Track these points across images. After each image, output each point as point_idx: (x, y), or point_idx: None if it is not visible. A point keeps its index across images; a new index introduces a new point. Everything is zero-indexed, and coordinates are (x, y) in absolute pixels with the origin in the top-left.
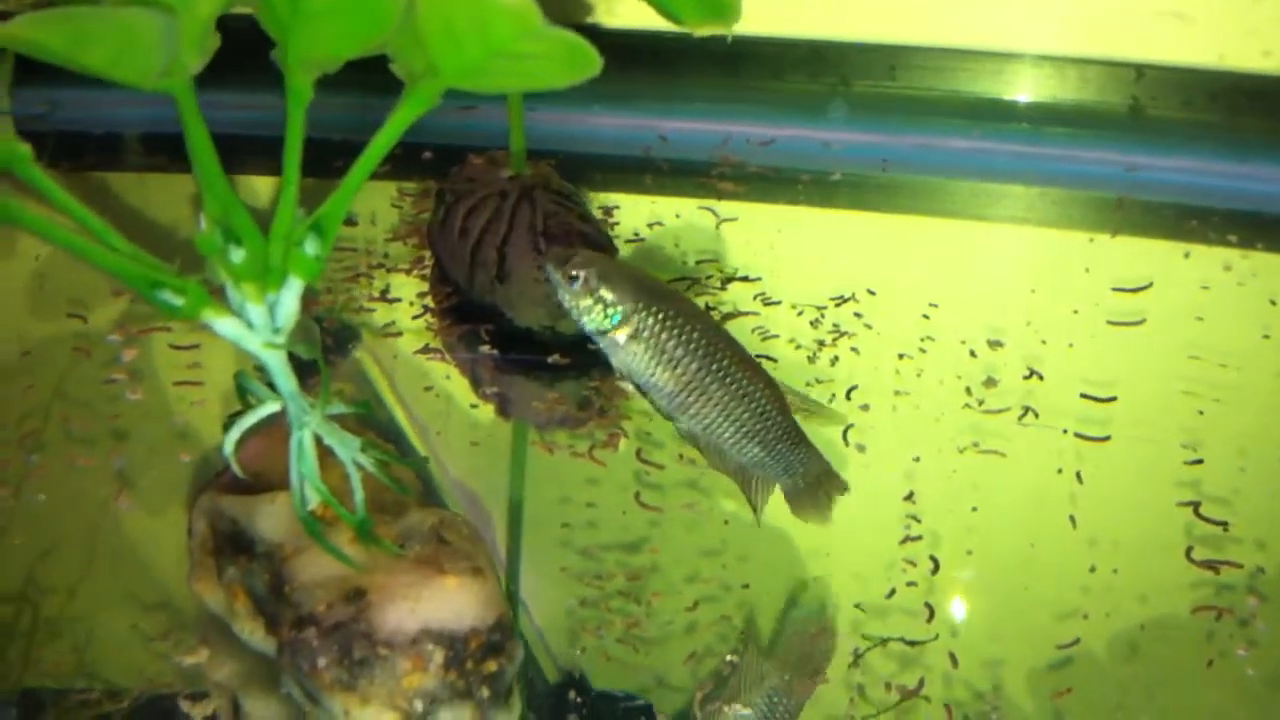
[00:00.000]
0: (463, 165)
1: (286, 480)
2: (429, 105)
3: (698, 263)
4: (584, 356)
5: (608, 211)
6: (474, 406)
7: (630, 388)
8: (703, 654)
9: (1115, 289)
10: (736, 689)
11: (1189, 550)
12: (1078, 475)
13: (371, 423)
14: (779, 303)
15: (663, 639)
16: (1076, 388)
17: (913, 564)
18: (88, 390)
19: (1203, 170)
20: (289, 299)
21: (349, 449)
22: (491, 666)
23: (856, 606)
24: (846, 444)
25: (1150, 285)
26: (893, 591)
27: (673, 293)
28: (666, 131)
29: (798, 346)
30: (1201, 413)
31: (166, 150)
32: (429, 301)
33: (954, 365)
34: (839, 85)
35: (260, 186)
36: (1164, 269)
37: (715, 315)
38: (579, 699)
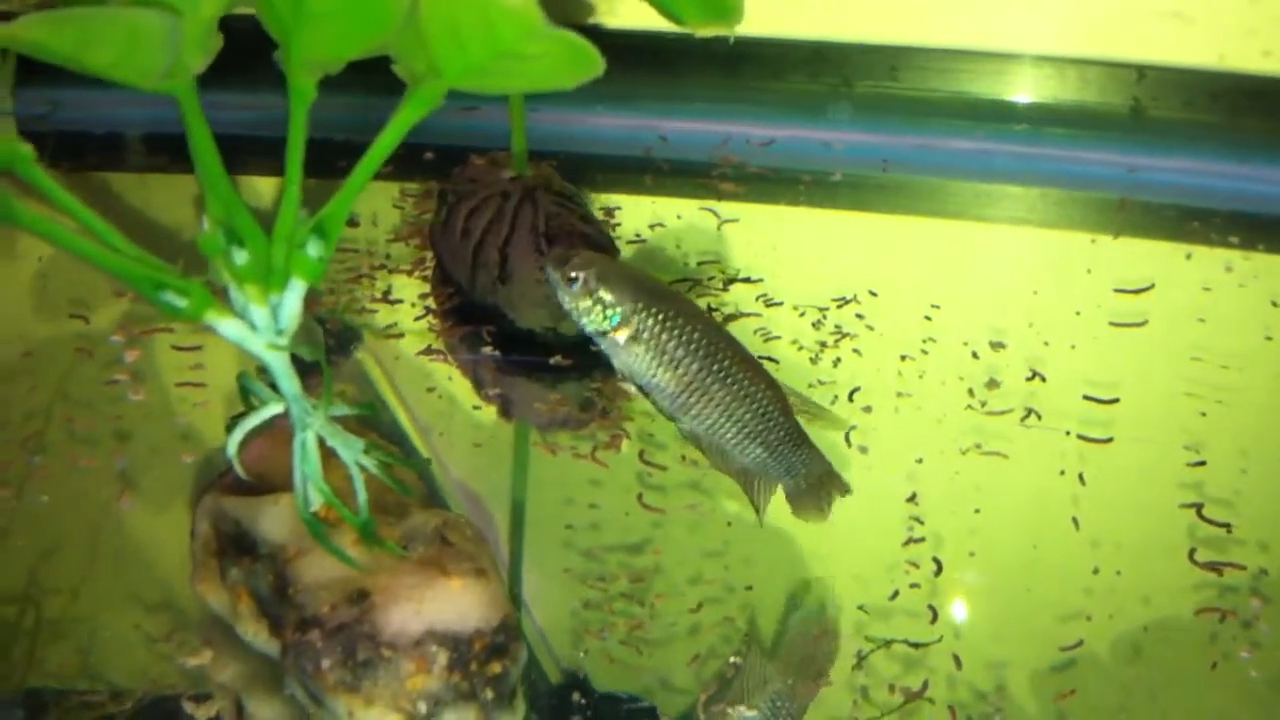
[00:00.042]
0: (464, 166)
1: (289, 482)
2: (432, 106)
3: (699, 264)
4: (586, 358)
5: (609, 212)
6: (476, 408)
7: (632, 389)
8: (706, 656)
9: (1117, 290)
10: (740, 691)
11: (1192, 552)
12: (1080, 477)
13: (374, 424)
14: (781, 304)
15: (666, 641)
16: (1079, 389)
17: (916, 566)
18: (90, 391)
19: (1204, 171)
20: (292, 300)
21: (352, 450)
22: (495, 668)
23: (860, 608)
24: (849, 445)
25: (1152, 286)
26: (896, 593)
27: (673, 293)
28: (667, 132)
29: (800, 348)
30: (1204, 414)
31: (168, 151)
32: (431, 303)
33: (956, 366)
34: (840, 86)
35: (262, 187)
36: (1166, 270)
37: (717, 317)
38: (582, 700)
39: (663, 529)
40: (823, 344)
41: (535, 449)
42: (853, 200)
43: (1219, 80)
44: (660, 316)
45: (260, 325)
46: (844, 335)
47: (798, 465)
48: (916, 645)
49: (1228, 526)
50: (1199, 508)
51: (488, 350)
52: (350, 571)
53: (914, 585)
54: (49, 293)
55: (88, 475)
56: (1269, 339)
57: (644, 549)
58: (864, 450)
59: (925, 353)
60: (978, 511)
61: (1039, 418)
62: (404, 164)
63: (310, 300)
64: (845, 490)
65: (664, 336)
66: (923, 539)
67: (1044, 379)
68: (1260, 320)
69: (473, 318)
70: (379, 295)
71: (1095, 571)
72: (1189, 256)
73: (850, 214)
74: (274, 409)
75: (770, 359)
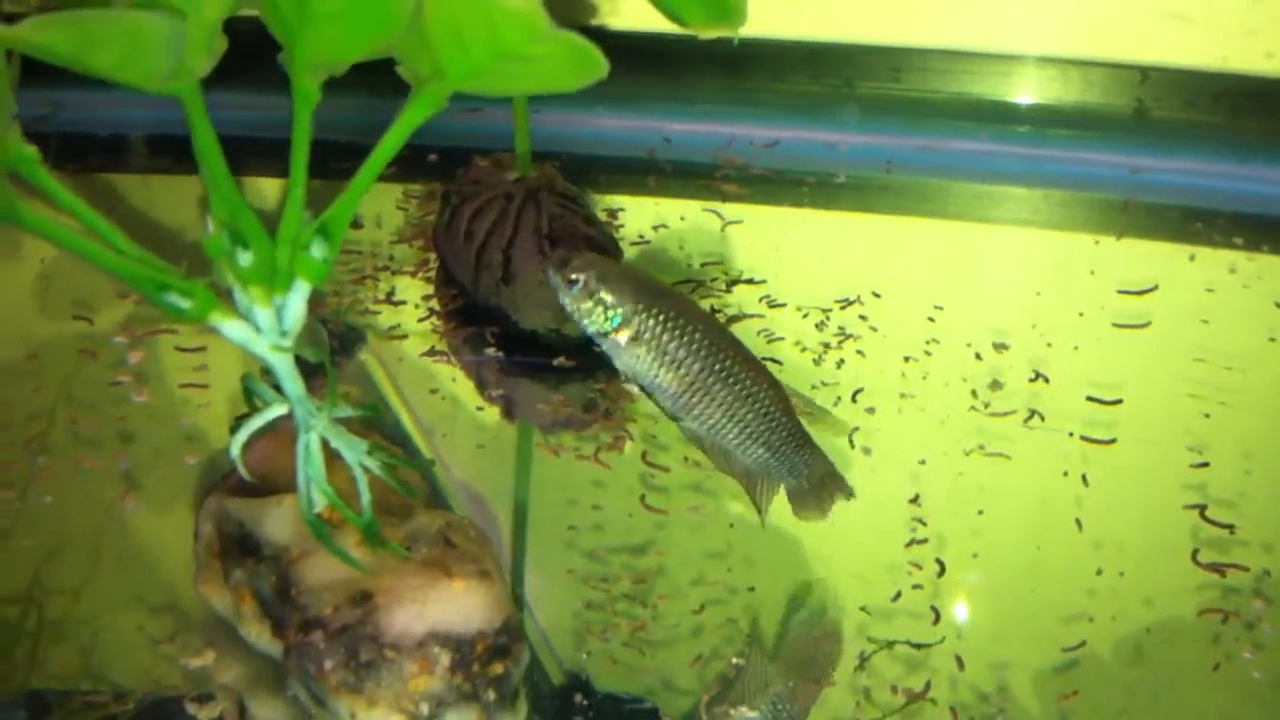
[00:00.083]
0: (468, 167)
1: (293, 483)
2: (436, 108)
3: (702, 265)
4: (589, 359)
5: (612, 214)
6: (480, 409)
7: (635, 390)
8: (709, 657)
9: (1120, 291)
10: (742, 692)
11: (1195, 553)
12: (1083, 478)
13: (378, 425)
14: (784, 305)
15: (668, 642)
16: (1082, 390)
17: (918, 567)
18: (93, 392)
19: (1207, 172)
20: (296, 302)
21: (356, 452)
22: (498, 669)
23: (862, 609)
24: (852, 447)
25: (1155, 288)
26: (898, 594)
27: (674, 294)
28: (670, 133)
29: (803, 349)
30: (1207, 415)
31: (171, 152)
32: (434, 304)
33: (959, 368)
34: (843, 87)
35: (267, 189)
36: (1169, 271)
37: (720, 318)
38: (584, 702)
39: (665, 530)
40: (826, 345)
41: (538, 450)
42: (856, 202)
43: (1222, 81)
44: (661, 317)
45: (264, 327)
46: (847, 336)
47: (800, 466)
48: (919, 646)
49: (1231, 528)
50: (1202, 509)
51: (491, 351)
52: (353, 573)
53: (916, 586)
54: (52, 294)
55: (91, 476)
56: (1273, 340)
57: (647, 550)
58: (867, 451)
59: (928, 354)
60: (981, 512)
61: (1042, 419)
62: (408, 165)
63: (314, 302)
64: (847, 492)
65: (665, 337)
66: (925, 540)
67: (1047, 380)
68: (1264, 321)
69: (476, 319)
70: (383, 297)
71: (1098, 572)
72: (1192, 258)
73: (853, 215)
74: (278, 410)
75: (774, 360)
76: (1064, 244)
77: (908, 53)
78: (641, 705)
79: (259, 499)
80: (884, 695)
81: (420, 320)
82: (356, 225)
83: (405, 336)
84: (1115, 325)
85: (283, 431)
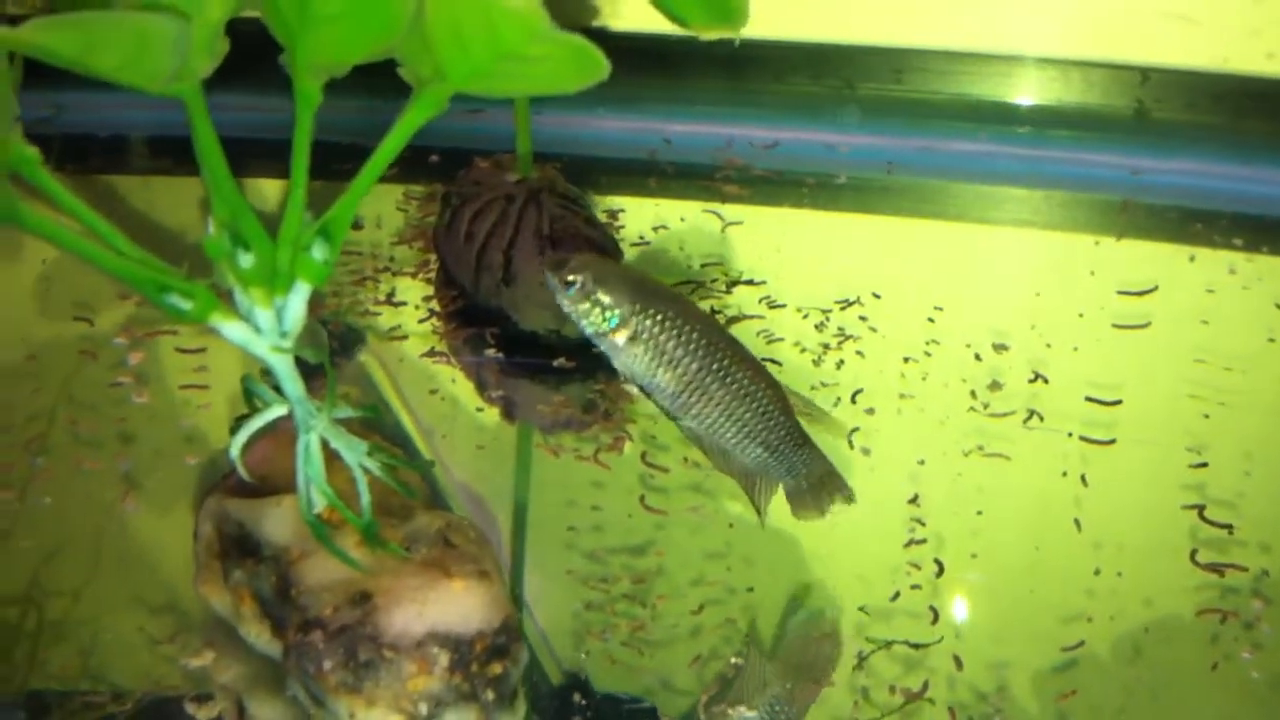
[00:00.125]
0: (469, 168)
1: (293, 483)
2: (437, 109)
3: (703, 266)
4: (589, 360)
5: (613, 215)
6: (479, 410)
7: (635, 390)
8: (707, 657)
9: (1120, 292)
10: (741, 692)
11: (1194, 553)
12: (1083, 478)
13: (377, 426)
14: (784, 306)
15: (667, 642)
16: (1081, 391)
17: (917, 567)
18: (94, 393)
19: (1208, 173)
20: (296, 303)
21: (355, 452)
22: (497, 669)
23: (861, 609)
24: (851, 447)
25: (1155, 289)
26: (897, 594)
27: (671, 293)
28: (671, 134)
29: (803, 350)
30: (1206, 416)
31: (172, 153)
32: (434, 305)
33: (959, 368)
34: (843, 88)
35: (268, 190)
36: (1169, 272)
37: (721, 319)
38: (583, 702)
39: (665, 531)
40: (826, 346)
41: (538, 451)
42: (856, 202)
43: (1223, 82)
44: (658, 317)
45: (265, 328)
46: (847, 337)
47: (799, 465)
48: (917, 646)
49: (1229, 528)
50: (1201, 509)
51: (491, 352)
52: (353, 573)
53: (915, 586)
54: (53, 295)
55: (91, 477)
56: (1272, 341)
57: (646, 551)
58: (866, 452)
59: (928, 354)
60: (980, 513)
61: (1041, 419)
62: (408, 166)
63: (313, 302)
64: (847, 492)
65: (662, 337)
66: (924, 540)
67: (1046, 381)
68: (1264, 322)
69: (476, 320)
70: (383, 298)
71: (1097, 573)
72: (1192, 258)
73: (854, 216)
74: (278, 411)
75: (773, 361)
76: (1064, 245)
77: (908, 54)
78: (640, 705)
79: (259, 500)
80: (882, 695)
81: (420, 321)
82: (357, 226)
83: (405, 337)
84: (1115, 326)
85: (282, 432)
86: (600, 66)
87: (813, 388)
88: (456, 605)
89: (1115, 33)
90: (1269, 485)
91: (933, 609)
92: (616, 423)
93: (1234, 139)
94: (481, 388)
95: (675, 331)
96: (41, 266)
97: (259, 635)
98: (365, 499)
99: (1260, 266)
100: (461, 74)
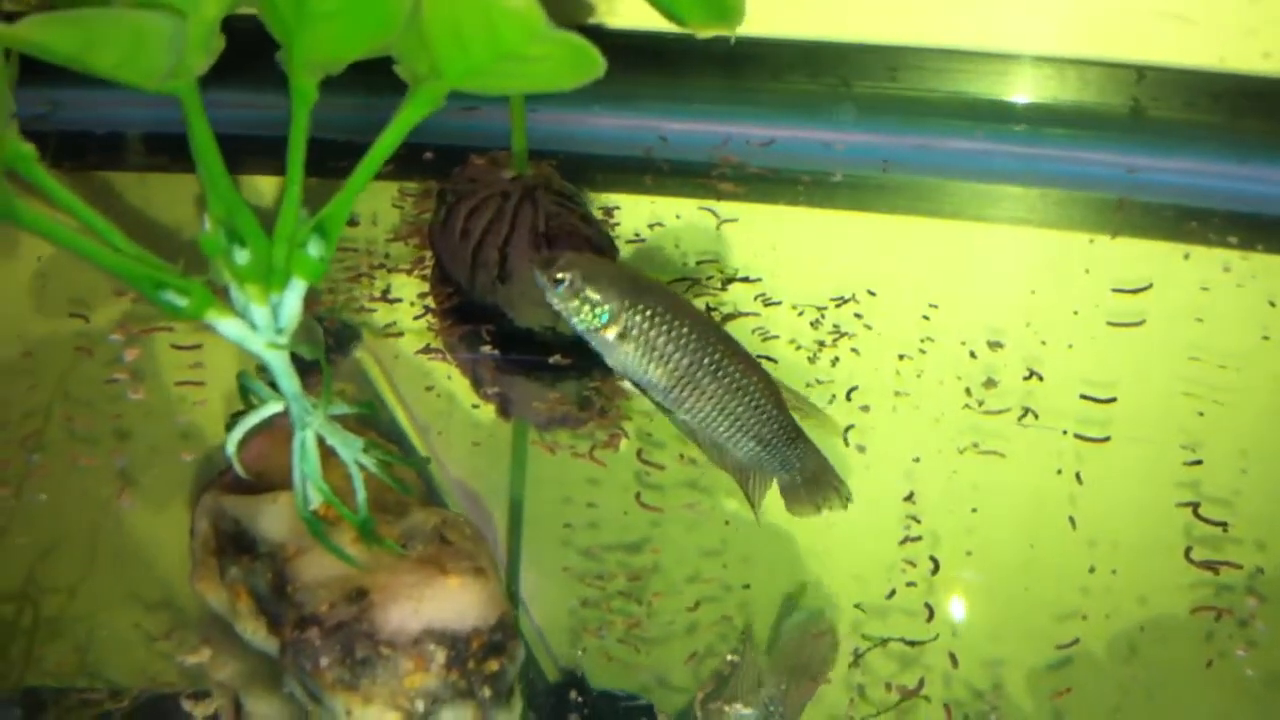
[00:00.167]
0: (464, 166)
1: (289, 480)
2: (433, 107)
3: (698, 263)
4: (585, 357)
5: (608, 212)
6: (475, 407)
7: (630, 387)
8: (704, 654)
9: (1115, 290)
10: (737, 689)
11: (1188, 551)
12: (1077, 476)
13: (373, 423)
14: (779, 303)
15: (664, 639)
16: (1076, 389)
17: (913, 564)
18: (90, 390)
19: (1203, 172)
20: (292, 300)
21: (351, 449)
22: (493, 666)
23: (857, 607)
24: (846, 445)
25: (1150, 286)
26: (893, 592)
27: (660, 289)
28: (667, 132)
29: (798, 347)
30: (1201, 414)
31: (169, 150)
32: (430, 302)
33: (954, 366)
34: (839, 86)
35: (264, 187)
36: (1164, 270)
37: (716, 316)
38: (580, 699)
39: (661, 528)
40: (821, 343)
41: (534, 448)
42: (852, 200)
43: (1219, 81)
44: (648, 313)
45: (260, 324)
46: (842, 335)
47: (793, 460)
48: (913, 643)
49: (1224, 525)
50: (1195, 507)
51: (486, 349)
52: (349, 570)
53: (911, 584)
54: (49, 291)
55: (87, 474)
56: (1267, 339)
57: (642, 548)
58: (862, 449)
59: (923, 352)
60: (975, 510)
61: (1036, 417)
62: (404, 163)
63: (309, 299)
64: (843, 495)
65: (652, 332)
66: (920, 538)
67: (1041, 378)
68: (1258, 320)
69: (472, 317)
70: (378, 294)
71: (1092, 570)
72: (1187, 256)
73: (849, 214)
74: (273, 408)
75: (768, 358)
76: (1059, 243)
77: (904, 52)
78: (636, 702)
79: (255, 496)
80: (878, 692)
81: (416, 318)
82: (353, 223)
83: (401, 334)
84: (1110, 324)
85: (278, 429)
86: (596, 64)
87: (808, 385)
88: (453, 602)
89: (1111, 31)
90: (1263, 483)
91: (928, 606)
92: (612, 419)
93: (1230, 138)
94: (477, 384)
95: (665, 327)
96: (37, 263)
97: (255, 632)
98: (361, 495)
99: (1255, 264)
100: (459, 72)
